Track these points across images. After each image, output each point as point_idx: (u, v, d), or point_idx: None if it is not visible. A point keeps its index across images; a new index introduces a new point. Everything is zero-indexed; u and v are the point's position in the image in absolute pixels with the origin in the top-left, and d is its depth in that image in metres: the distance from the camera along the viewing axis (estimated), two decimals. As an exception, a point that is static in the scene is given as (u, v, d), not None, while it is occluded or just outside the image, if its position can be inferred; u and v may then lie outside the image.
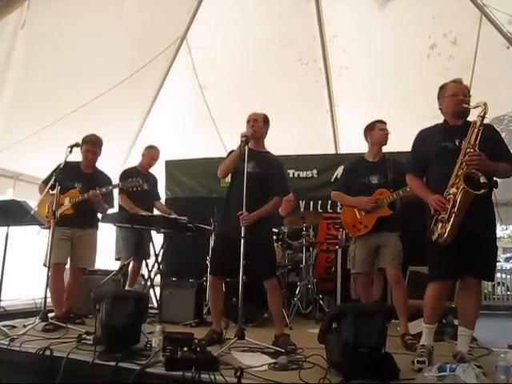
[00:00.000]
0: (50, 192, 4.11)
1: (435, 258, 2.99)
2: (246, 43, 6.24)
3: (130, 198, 5.00)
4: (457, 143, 2.96)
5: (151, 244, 5.20)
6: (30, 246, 5.00)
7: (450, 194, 2.83)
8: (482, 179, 2.72)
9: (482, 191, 2.72)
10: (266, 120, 3.76)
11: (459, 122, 3.06)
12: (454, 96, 3.05)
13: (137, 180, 4.41)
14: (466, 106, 2.98)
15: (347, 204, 4.22)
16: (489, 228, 2.99)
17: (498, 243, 3.15)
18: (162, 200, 6.92)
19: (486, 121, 2.87)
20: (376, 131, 4.06)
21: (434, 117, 3.29)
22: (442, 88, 3.18)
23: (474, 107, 2.93)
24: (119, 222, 4.90)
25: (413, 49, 5.76)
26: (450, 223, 2.80)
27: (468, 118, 3.06)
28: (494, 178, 2.97)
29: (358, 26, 5.91)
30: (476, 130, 2.84)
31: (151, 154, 5.43)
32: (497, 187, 2.99)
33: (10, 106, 5.27)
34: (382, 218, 3.89)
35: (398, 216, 4.01)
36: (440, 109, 3.19)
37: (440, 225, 2.86)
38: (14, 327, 3.79)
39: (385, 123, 4.08)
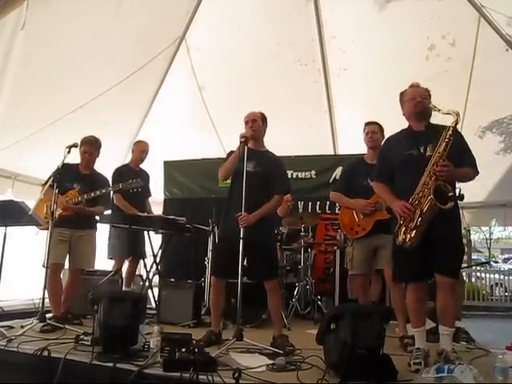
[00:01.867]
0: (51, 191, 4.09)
1: (403, 259, 3.03)
2: (244, 44, 6.23)
3: (124, 196, 4.98)
4: (421, 150, 3.03)
5: (150, 243, 5.20)
6: (29, 246, 4.99)
7: (416, 201, 2.89)
8: (451, 193, 2.80)
9: (449, 205, 2.79)
10: (263, 118, 3.76)
11: (422, 125, 3.13)
12: (412, 99, 3.14)
13: (137, 181, 4.43)
14: (431, 106, 3.04)
15: (345, 206, 4.23)
16: (453, 234, 3.00)
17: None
18: (161, 200, 6.95)
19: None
20: (364, 135, 4.12)
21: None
22: (402, 94, 3.27)
23: (446, 113, 2.97)
24: (117, 222, 4.89)
25: (411, 50, 5.76)
26: (415, 230, 2.87)
27: (431, 121, 3.14)
28: (462, 192, 3.06)
29: (356, 27, 5.91)
30: (446, 140, 2.89)
31: (140, 147, 5.41)
32: (462, 200, 3.06)
33: (9, 106, 5.26)
34: (380, 221, 3.89)
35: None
36: (404, 115, 3.27)
37: (403, 229, 2.94)
38: (11, 328, 3.78)
39: (373, 124, 4.11)
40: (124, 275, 5.17)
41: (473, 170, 3.04)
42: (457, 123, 2.92)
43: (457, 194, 2.87)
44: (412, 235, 2.88)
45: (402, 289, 3.87)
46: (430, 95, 3.19)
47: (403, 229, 2.93)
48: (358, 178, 4.07)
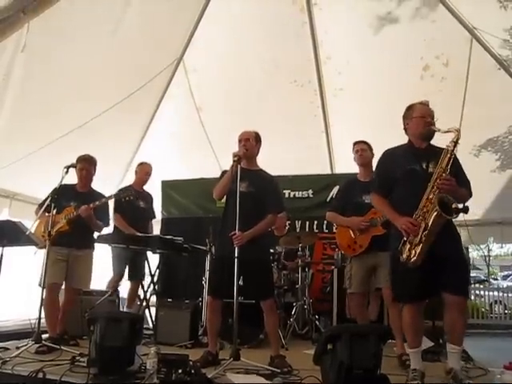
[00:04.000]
0: (46, 214, 4.10)
1: (404, 279, 2.98)
2: (241, 65, 6.32)
3: (125, 217, 4.99)
4: (424, 166, 3.02)
5: (147, 263, 5.19)
6: (27, 265, 4.96)
7: (420, 217, 2.87)
8: (454, 205, 2.78)
9: (455, 216, 2.78)
10: (257, 138, 3.79)
11: (424, 144, 3.10)
12: (422, 118, 3.10)
13: (129, 190, 4.42)
14: (435, 128, 3.01)
15: (341, 224, 4.26)
16: (455, 251, 3.00)
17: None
18: (158, 219, 6.93)
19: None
20: (354, 154, 4.18)
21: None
22: (410, 108, 3.22)
23: (446, 132, 2.96)
24: (114, 242, 4.88)
25: (406, 70, 5.84)
26: (421, 246, 2.82)
27: (432, 142, 3.13)
28: (466, 204, 2.98)
29: (351, 49, 6.00)
30: (449, 155, 2.89)
31: (144, 168, 5.47)
32: (467, 212, 2.97)
33: (8, 125, 5.29)
34: (377, 237, 3.90)
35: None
36: (405, 129, 3.24)
37: (408, 246, 2.88)
38: (6, 349, 3.75)
39: (362, 142, 4.17)
40: (126, 296, 5.16)
41: (468, 192, 3.05)
42: (458, 139, 2.90)
43: (461, 207, 2.79)
44: (417, 251, 2.81)
45: (400, 307, 3.87)
46: (434, 117, 3.17)
47: (408, 246, 2.88)
48: (352, 196, 4.11)
